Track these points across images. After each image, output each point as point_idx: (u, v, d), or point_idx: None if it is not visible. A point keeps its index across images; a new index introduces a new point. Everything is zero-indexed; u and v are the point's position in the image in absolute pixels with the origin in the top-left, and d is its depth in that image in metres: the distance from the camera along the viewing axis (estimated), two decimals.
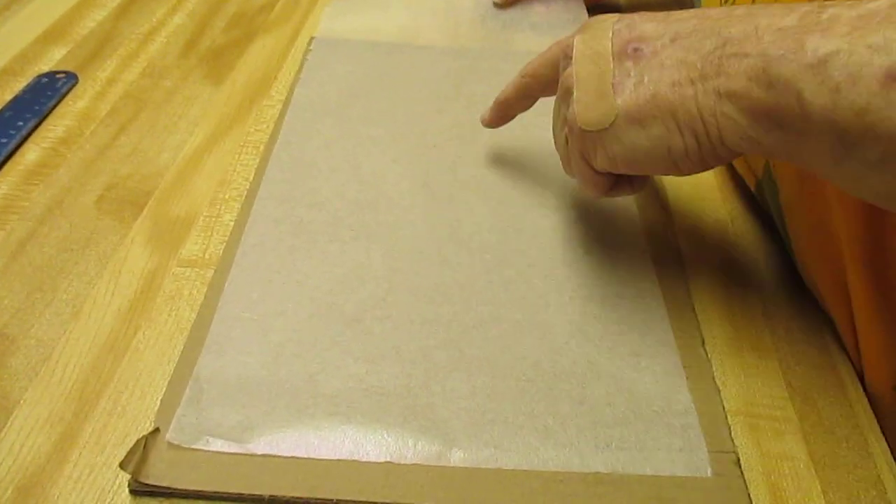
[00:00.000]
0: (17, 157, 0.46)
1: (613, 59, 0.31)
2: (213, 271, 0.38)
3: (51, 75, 0.53)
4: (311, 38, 0.58)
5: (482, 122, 0.44)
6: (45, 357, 0.33)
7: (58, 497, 0.28)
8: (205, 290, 0.37)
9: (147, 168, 0.45)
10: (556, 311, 0.36)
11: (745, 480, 0.30)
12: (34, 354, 0.34)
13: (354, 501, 0.28)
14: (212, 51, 0.57)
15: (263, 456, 0.29)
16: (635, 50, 0.30)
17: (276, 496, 0.28)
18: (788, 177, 0.37)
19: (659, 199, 0.44)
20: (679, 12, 0.31)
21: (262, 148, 0.47)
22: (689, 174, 0.31)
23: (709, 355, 0.35)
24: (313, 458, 0.30)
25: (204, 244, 0.40)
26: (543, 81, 0.39)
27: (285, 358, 0.33)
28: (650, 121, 0.29)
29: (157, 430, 0.30)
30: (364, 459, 0.30)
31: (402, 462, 0.30)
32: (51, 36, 0.58)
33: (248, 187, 0.43)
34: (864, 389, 0.34)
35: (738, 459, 0.30)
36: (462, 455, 0.30)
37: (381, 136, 0.48)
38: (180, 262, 0.39)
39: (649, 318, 0.36)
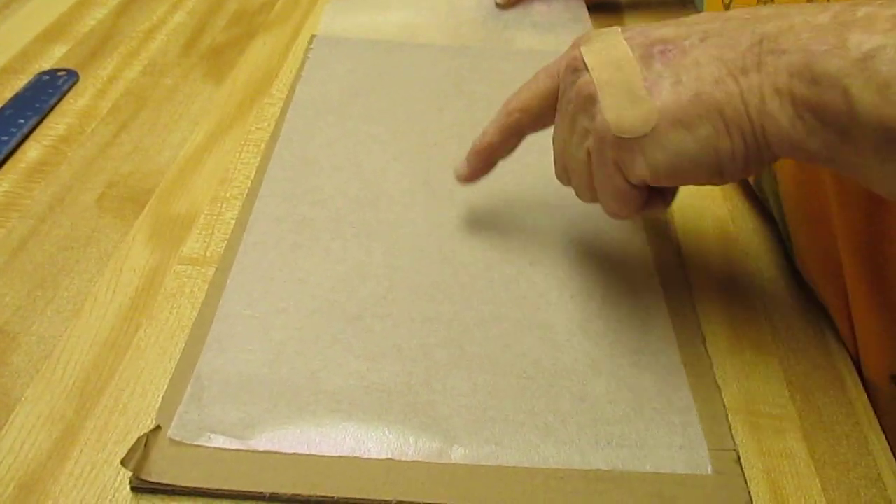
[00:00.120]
0: (18, 155, 0.46)
1: (638, 62, 0.29)
2: (214, 269, 0.38)
3: (52, 73, 0.53)
4: (312, 37, 0.58)
5: (459, 179, 0.39)
6: (46, 354, 0.33)
7: (59, 494, 0.28)
8: (206, 287, 0.37)
9: (148, 166, 0.45)
10: (556, 309, 0.36)
11: (745, 478, 0.30)
12: (35, 352, 0.34)
13: (355, 499, 0.28)
14: (212, 49, 0.57)
15: (265, 453, 0.30)
16: (662, 52, 0.29)
17: (276, 493, 0.28)
18: (788, 168, 0.37)
19: None
20: (693, 17, 0.30)
21: (262, 146, 0.47)
22: (729, 181, 0.29)
23: (709, 353, 0.35)
24: (315, 455, 0.30)
25: (205, 242, 0.40)
26: (535, 114, 0.35)
27: (287, 355, 0.33)
28: (696, 121, 0.27)
29: (158, 427, 0.30)
30: (365, 456, 0.30)
31: (403, 459, 0.30)
32: (52, 34, 0.58)
33: (248, 185, 0.43)
34: (862, 379, 0.34)
35: (739, 457, 0.31)
36: (463, 452, 0.30)
37: (382, 134, 0.48)
38: (181, 260, 0.39)
39: (650, 315, 0.36)
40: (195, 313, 0.35)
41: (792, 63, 0.25)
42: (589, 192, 0.33)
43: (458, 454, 0.30)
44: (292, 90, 0.51)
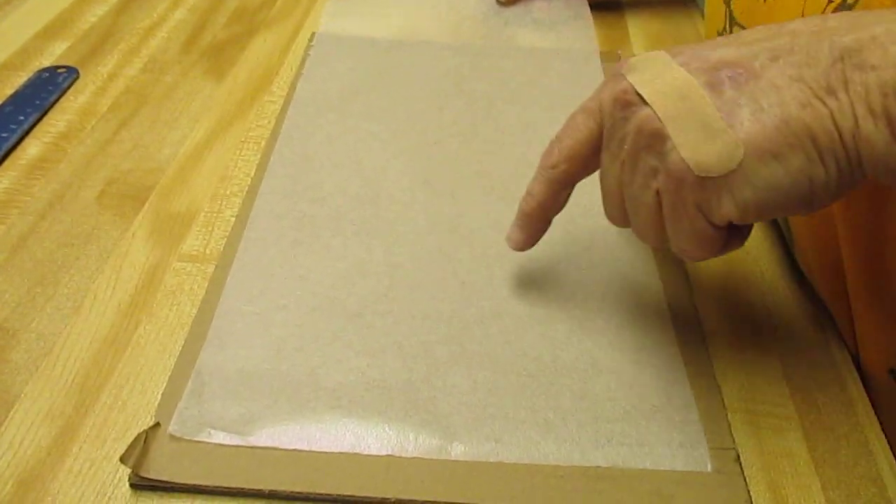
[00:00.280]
0: (18, 152, 0.46)
1: (705, 89, 0.26)
2: (213, 266, 0.38)
3: (52, 70, 0.53)
4: (313, 34, 0.58)
5: (513, 247, 0.35)
6: (45, 351, 0.33)
7: (58, 491, 0.28)
8: (206, 284, 0.37)
9: (148, 163, 0.45)
10: (557, 307, 0.36)
11: (744, 477, 0.30)
12: (35, 348, 0.34)
13: (355, 497, 0.28)
14: (213, 46, 0.57)
15: (264, 449, 0.29)
16: (731, 77, 0.26)
17: (276, 491, 0.28)
18: None
19: None
20: (746, 33, 0.27)
21: (263, 144, 0.47)
22: (818, 210, 0.26)
23: (709, 352, 0.35)
24: (315, 452, 0.30)
25: (205, 239, 0.40)
26: (582, 161, 0.31)
27: (287, 352, 0.33)
28: (787, 151, 0.25)
29: (157, 424, 0.30)
30: (365, 453, 0.30)
31: (403, 455, 0.30)
32: (52, 31, 0.58)
33: (249, 183, 0.43)
34: (860, 374, 0.34)
35: (738, 456, 0.30)
36: (463, 449, 0.30)
37: (382, 132, 0.48)
38: (181, 258, 0.39)
39: (650, 313, 0.36)
40: (195, 310, 0.35)
41: (884, 81, 0.23)
42: (658, 236, 0.29)
43: (458, 451, 0.30)
44: (293, 88, 0.51)
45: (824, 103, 0.24)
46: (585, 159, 0.31)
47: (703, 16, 0.62)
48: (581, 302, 0.37)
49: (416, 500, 0.28)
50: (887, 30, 0.24)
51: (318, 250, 0.39)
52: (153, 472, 0.28)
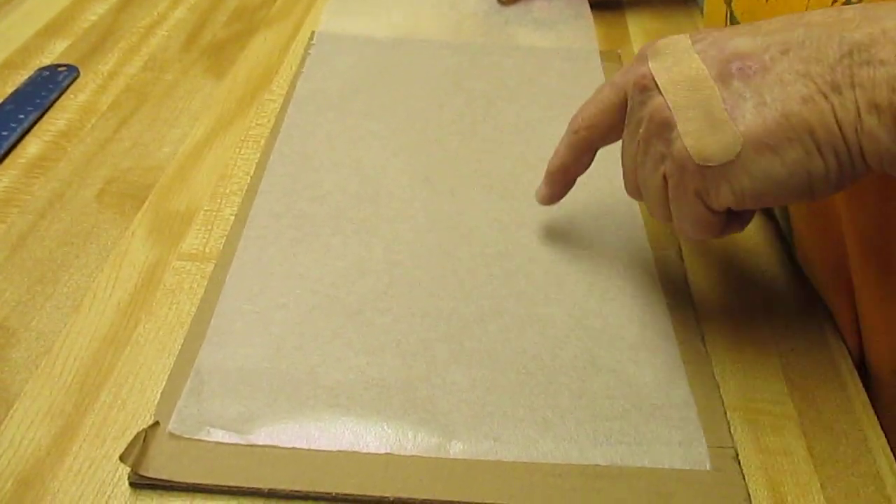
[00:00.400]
0: (18, 150, 0.46)
1: (715, 81, 0.27)
2: (213, 265, 0.38)
3: (52, 68, 0.53)
4: (313, 33, 0.58)
5: (540, 201, 0.38)
6: (45, 350, 0.33)
7: (58, 490, 0.28)
8: (205, 283, 0.37)
9: (148, 162, 0.45)
10: (556, 305, 0.36)
11: (743, 475, 0.30)
12: (35, 347, 0.34)
13: (354, 495, 0.28)
14: (213, 45, 0.57)
15: (264, 447, 0.30)
16: (740, 69, 0.27)
17: (275, 489, 0.28)
18: None
19: None
20: (767, 22, 0.28)
21: (262, 142, 0.47)
22: (821, 199, 0.28)
23: (708, 350, 0.35)
24: (314, 450, 0.30)
25: (204, 238, 0.40)
26: (604, 130, 0.33)
27: (286, 350, 0.33)
28: (785, 144, 0.26)
29: (156, 423, 0.30)
30: (364, 451, 0.30)
31: (402, 454, 0.30)
32: (52, 29, 0.58)
33: (248, 181, 0.43)
34: (863, 375, 0.34)
35: (737, 454, 0.30)
36: (462, 447, 0.30)
37: (382, 130, 0.48)
38: (181, 256, 0.39)
39: (649, 312, 0.36)
40: (194, 309, 0.35)
41: (893, 76, 0.24)
42: (664, 214, 0.31)
43: (456, 449, 0.30)
44: (293, 86, 0.51)
45: (826, 98, 0.25)
46: (605, 128, 0.33)
47: (703, 14, 0.61)
48: (580, 300, 0.37)
49: (414, 499, 0.28)
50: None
51: (317, 249, 0.39)
52: (152, 470, 0.28)
